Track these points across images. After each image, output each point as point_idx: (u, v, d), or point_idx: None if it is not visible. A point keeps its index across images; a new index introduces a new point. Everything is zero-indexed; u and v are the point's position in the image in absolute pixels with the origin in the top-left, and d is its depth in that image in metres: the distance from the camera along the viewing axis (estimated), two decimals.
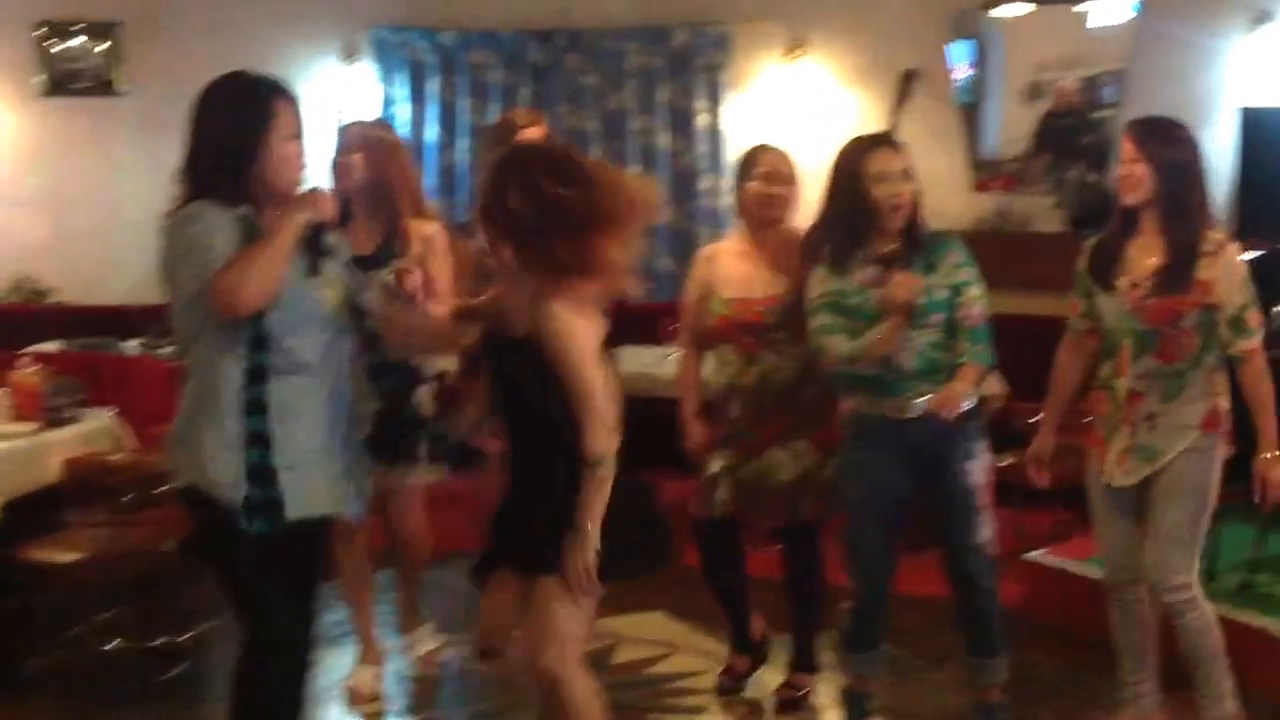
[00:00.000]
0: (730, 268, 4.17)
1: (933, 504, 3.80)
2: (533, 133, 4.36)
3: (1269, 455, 3.61)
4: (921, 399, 3.66)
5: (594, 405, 2.98)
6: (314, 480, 3.07)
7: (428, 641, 4.63)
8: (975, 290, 3.73)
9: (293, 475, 3.02)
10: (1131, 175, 3.65)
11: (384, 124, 4.53)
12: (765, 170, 4.12)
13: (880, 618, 3.88)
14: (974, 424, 3.75)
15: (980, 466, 3.74)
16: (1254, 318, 3.62)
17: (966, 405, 3.68)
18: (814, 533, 4.22)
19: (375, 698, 4.43)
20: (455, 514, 4.61)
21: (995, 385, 5.75)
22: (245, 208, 3.00)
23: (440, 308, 3.78)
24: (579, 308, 2.99)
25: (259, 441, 3.00)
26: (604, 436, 2.99)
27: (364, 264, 4.12)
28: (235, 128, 3.02)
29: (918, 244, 3.70)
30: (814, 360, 3.90)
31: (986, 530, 3.75)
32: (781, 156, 4.17)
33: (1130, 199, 3.68)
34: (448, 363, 6.26)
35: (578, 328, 2.97)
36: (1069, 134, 7.64)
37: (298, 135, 3.10)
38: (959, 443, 3.71)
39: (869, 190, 3.63)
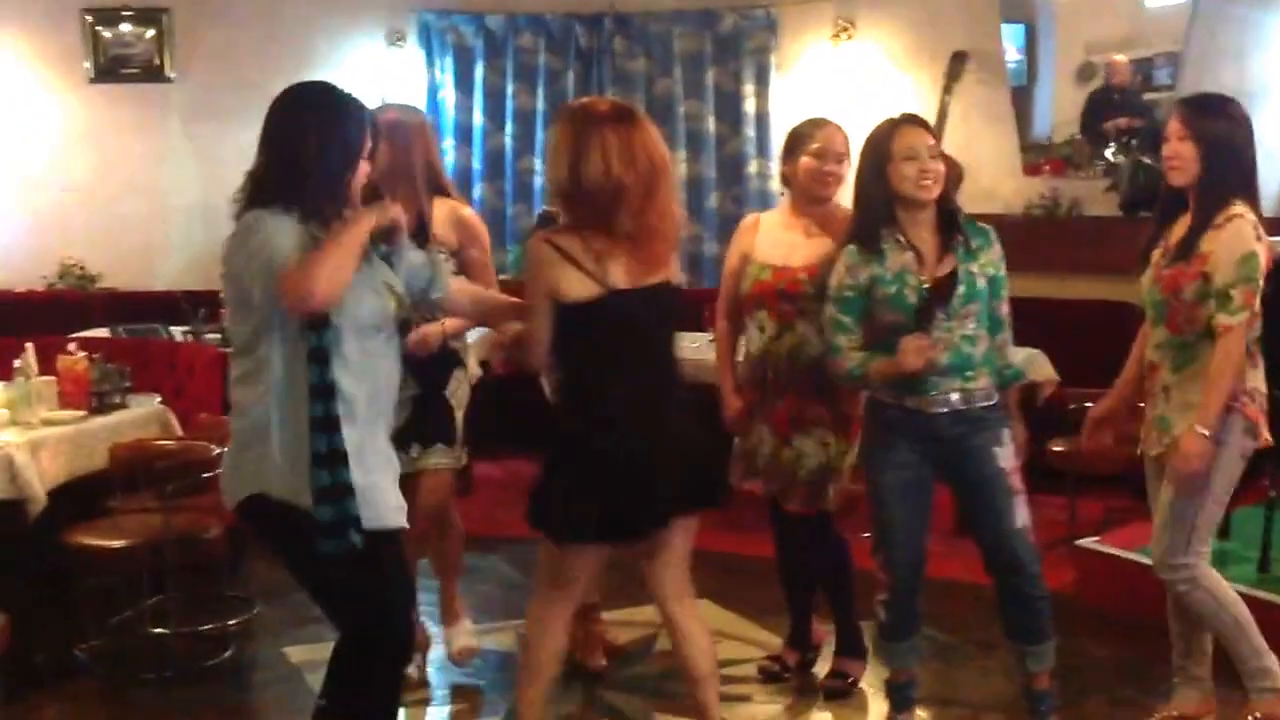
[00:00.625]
0: (773, 235, 4.18)
1: (964, 493, 3.78)
2: None
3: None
4: (954, 394, 3.63)
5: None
6: (385, 491, 3.04)
7: (464, 637, 4.58)
8: (1007, 288, 3.75)
9: (367, 489, 2.97)
10: (1177, 155, 3.61)
11: (412, 108, 4.46)
12: (819, 146, 4.10)
13: (915, 606, 3.83)
14: (1000, 411, 3.70)
15: (1009, 451, 3.69)
16: (1242, 296, 3.51)
17: (993, 401, 3.69)
18: (830, 519, 4.21)
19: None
20: (496, 500, 4.60)
21: (1046, 371, 5.70)
22: (313, 224, 2.94)
23: (483, 288, 3.93)
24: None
25: (335, 459, 2.92)
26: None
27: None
28: (341, 148, 2.98)
29: (952, 224, 3.67)
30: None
31: (1024, 514, 3.69)
32: (836, 132, 4.15)
33: (1176, 180, 3.64)
34: (486, 352, 6.29)
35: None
36: (1114, 112, 7.55)
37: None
38: (986, 429, 3.67)
39: (897, 169, 3.61)
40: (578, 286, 3.22)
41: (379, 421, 3.06)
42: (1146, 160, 7.18)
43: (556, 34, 8.63)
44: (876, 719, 4.14)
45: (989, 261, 3.68)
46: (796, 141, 4.17)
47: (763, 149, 8.31)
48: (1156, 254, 3.69)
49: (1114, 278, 7.17)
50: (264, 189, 2.94)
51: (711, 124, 8.41)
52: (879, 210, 3.66)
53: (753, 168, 8.35)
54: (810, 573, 4.40)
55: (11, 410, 4.77)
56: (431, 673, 4.53)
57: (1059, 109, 7.76)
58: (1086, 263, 7.19)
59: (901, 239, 3.64)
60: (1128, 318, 6.88)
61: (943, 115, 7.80)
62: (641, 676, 4.50)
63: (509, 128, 8.67)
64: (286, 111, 3.01)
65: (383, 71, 8.50)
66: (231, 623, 4.80)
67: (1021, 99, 7.80)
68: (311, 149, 2.93)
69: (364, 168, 3.04)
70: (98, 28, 8.63)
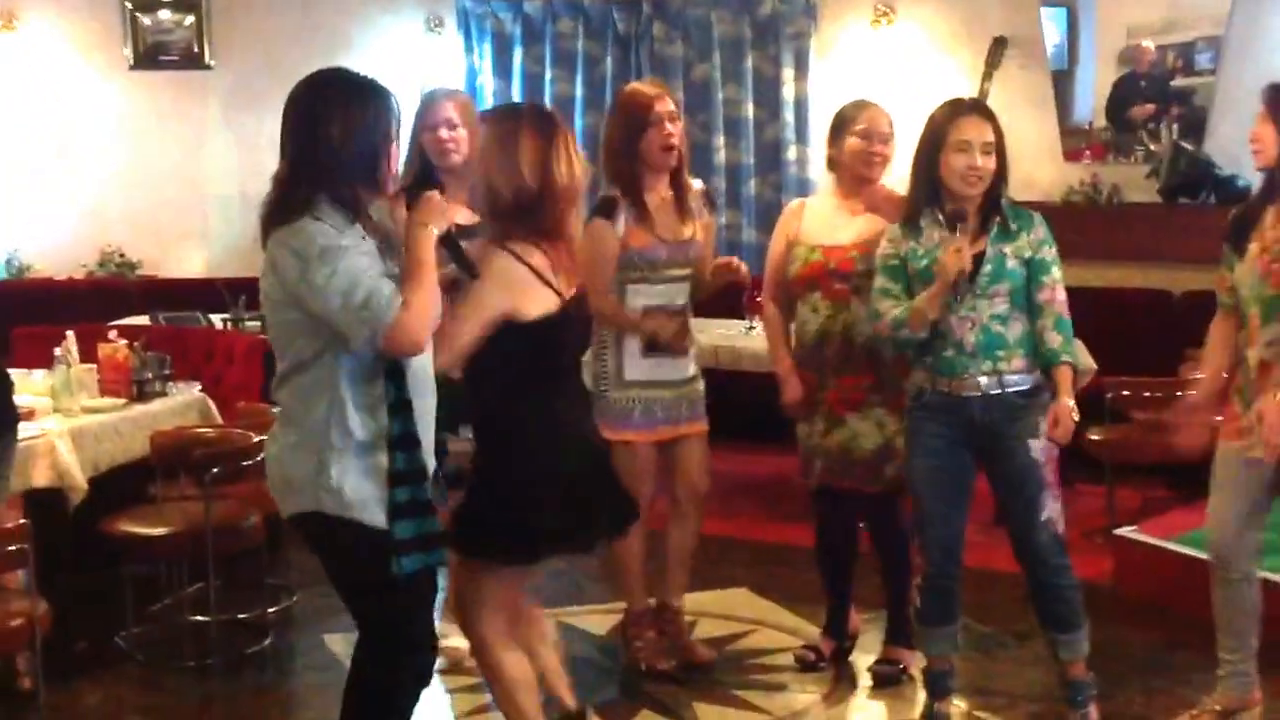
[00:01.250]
0: (820, 218, 4.19)
1: (996, 481, 3.77)
2: (665, 105, 4.22)
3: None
4: (985, 378, 3.62)
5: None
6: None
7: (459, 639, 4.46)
8: (1059, 273, 3.69)
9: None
10: (1256, 139, 3.61)
11: (469, 95, 4.45)
12: (864, 127, 4.10)
13: (952, 592, 3.82)
14: (1036, 400, 3.67)
15: (1043, 443, 3.66)
16: None
17: (1028, 386, 3.65)
18: (895, 500, 4.21)
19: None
20: None
21: (1084, 360, 5.66)
22: (356, 220, 2.90)
23: None
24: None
25: (415, 477, 2.91)
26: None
27: (473, 232, 4.16)
28: (367, 131, 2.89)
29: (994, 206, 3.65)
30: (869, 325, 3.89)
31: (1050, 507, 3.67)
32: (880, 113, 4.15)
33: (1256, 162, 3.65)
34: None
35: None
36: (1140, 99, 7.48)
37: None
38: (1020, 418, 3.65)
39: (947, 158, 3.61)
40: (541, 303, 3.15)
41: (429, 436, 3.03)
42: (1187, 145, 7.12)
43: (594, 20, 8.61)
44: (920, 708, 4.10)
45: (1026, 244, 3.66)
46: (842, 123, 4.17)
47: (802, 135, 8.26)
48: (1254, 247, 3.60)
49: (1154, 265, 7.17)
50: (295, 190, 2.86)
51: (750, 109, 8.35)
52: (925, 188, 3.68)
53: (791, 154, 8.30)
54: (850, 557, 4.38)
55: (53, 398, 4.81)
56: (470, 662, 4.52)
57: (1100, 94, 7.67)
58: (1127, 249, 7.14)
59: (940, 218, 3.65)
60: (1168, 305, 6.86)
61: (983, 100, 7.74)
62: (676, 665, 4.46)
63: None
64: (304, 103, 2.92)
65: (421, 58, 8.51)
66: (271, 610, 4.83)
67: (1062, 83, 7.73)
68: (337, 137, 2.85)
69: (395, 153, 2.99)
70: (137, 14, 8.69)
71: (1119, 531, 5.21)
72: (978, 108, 3.77)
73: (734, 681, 4.34)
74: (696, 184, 4.37)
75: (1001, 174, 3.67)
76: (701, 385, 4.33)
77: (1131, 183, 7.41)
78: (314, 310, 2.82)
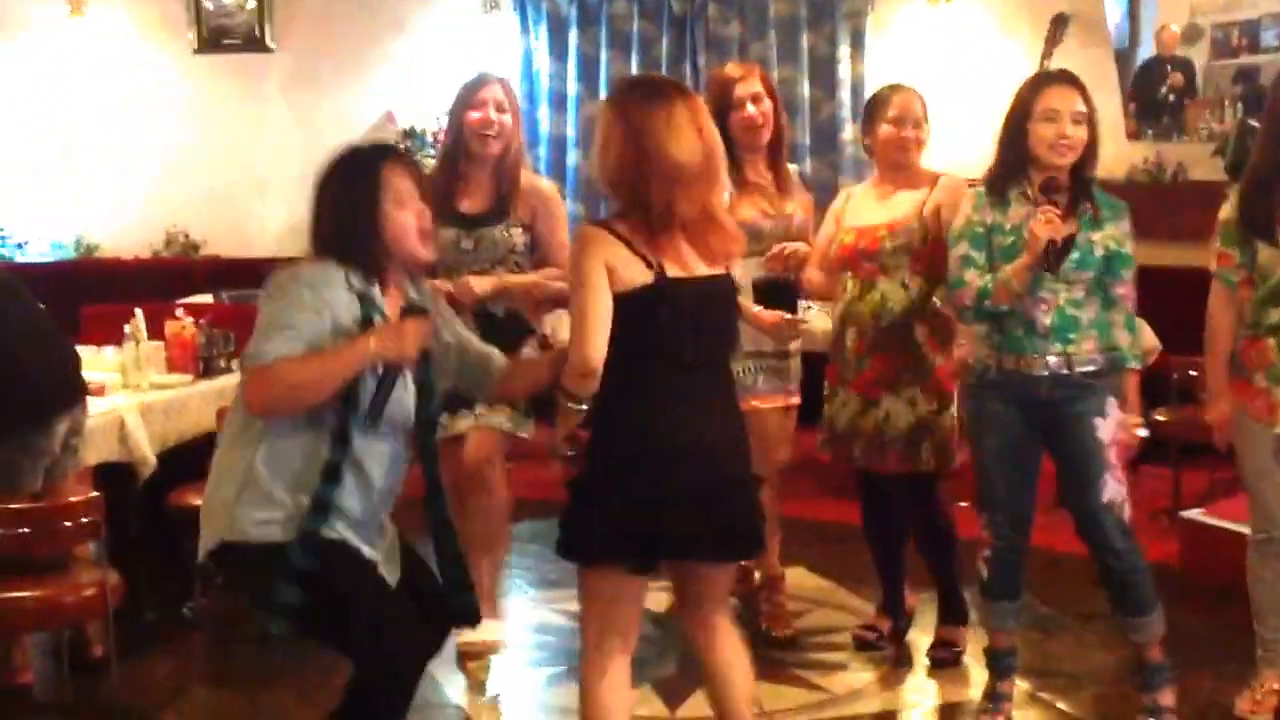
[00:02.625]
0: (860, 201, 4.22)
1: (1060, 459, 3.73)
2: (746, 86, 4.25)
3: None
4: (1054, 358, 3.58)
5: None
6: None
7: (492, 631, 4.35)
8: (1134, 271, 3.66)
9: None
10: None
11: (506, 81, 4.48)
12: (895, 113, 4.10)
13: (1020, 567, 3.79)
14: (1104, 380, 3.63)
15: (1110, 424, 3.61)
16: None
17: (1097, 367, 3.61)
18: (934, 481, 4.20)
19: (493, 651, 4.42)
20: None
21: (1150, 340, 5.62)
22: (365, 283, 2.93)
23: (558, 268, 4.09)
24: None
25: (321, 509, 2.89)
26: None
27: (477, 221, 4.24)
28: (348, 201, 2.96)
29: (1083, 193, 3.59)
30: (947, 294, 3.88)
31: (1113, 489, 3.61)
32: (912, 97, 4.13)
33: None
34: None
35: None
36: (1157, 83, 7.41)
37: (412, 199, 2.98)
38: (1088, 398, 3.60)
39: (1035, 128, 3.54)
40: (630, 275, 2.90)
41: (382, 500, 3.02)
42: (1253, 123, 7.03)
43: (649, 0, 8.61)
44: (978, 689, 4.12)
45: (1112, 235, 3.60)
46: (875, 108, 4.18)
47: (858, 115, 8.21)
48: None
49: None
50: (318, 248, 2.98)
51: (806, 89, 8.32)
52: (1012, 163, 3.62)
53: (848, 134, 8.26)
54: (898, 537, 4.37)
55: (122, 375, 4.90)
56: (523, 636, 4.60)
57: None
58: (1191, 229, 7.01)
59: (1029, 193, 3.58)
60: None
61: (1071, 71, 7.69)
62: None
63: (604, 95, 8.67)
64: (318, 175, 3.03)
65: (477, 39, 8.54)
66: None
67: (1124, 62, 7.65)
68: (332, 203, 2.97)
69: (405, 215, 2.96)
70: None
71: (1185, 514, 5.18)
72: (1066, 77, 3.69)
73: (793, 660, 4.37)
74: (791, 167, 4.45)
75: (1092, 149, 3.59)
76: (789, 360, 4.36)
77: (1196, 161, 7.35)
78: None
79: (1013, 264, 3.53)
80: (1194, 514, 5.14)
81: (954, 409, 4.09)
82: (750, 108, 4.20)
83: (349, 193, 2.96)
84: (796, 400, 4.43)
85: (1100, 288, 3.61)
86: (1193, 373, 5.48)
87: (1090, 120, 3.57)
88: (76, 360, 4.30)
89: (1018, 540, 3.76)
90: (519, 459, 4.78)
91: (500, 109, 4.24)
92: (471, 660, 4.34)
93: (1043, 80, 3.65)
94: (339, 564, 2.90)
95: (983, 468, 3.76)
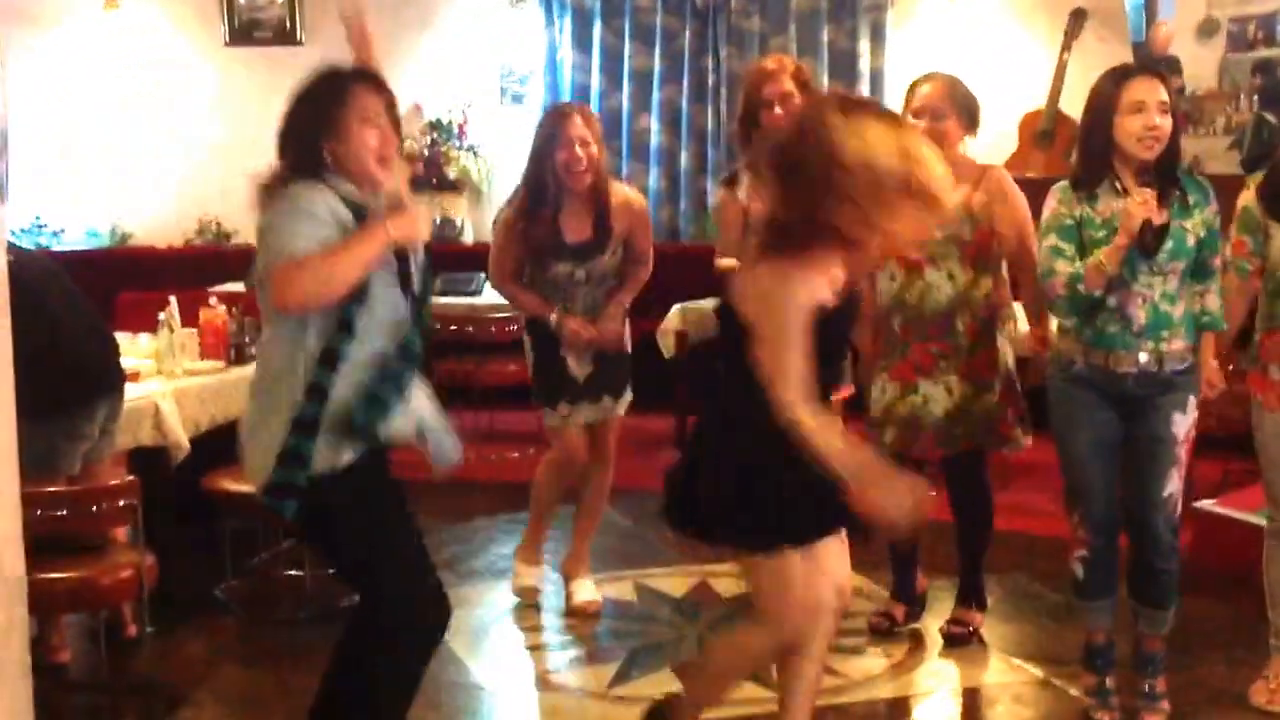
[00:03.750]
0: None
1: (1130, 445, 3.67)
2: (775, 85, 4.29)
3: None
4: (1145, 355, 3.56)
5: (783, 362, 2.74)
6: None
7: (590, 591, 4.73)
8: (1222, 240, 3.65)
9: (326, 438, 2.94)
10: None
11: (585, 105, 4.64)
12: (916, 105, 4.12)
13: (1114, 563, 3.76)
14: (1190, 377, 3.63)
15: (1188, 421, 3.62)
16: None
17: (1186, 365, 3.63)
18: (978, 462, 4.24)
19: (537, 593, 4.72)
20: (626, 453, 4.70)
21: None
22: (347, 187, 2.99)
23: (643, 271, 4.55)
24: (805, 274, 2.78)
25: (306, 427, 2.92)
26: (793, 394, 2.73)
27: (586, 253, 4.44)
28: (313, 112, 3.03)
29: (1171, 182, 3.55)
30: (991, 282, 3.96)
31: (1175, 485, 3.63)
32: (934, 90, 4.12)
33: None
34: None
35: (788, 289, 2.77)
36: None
37: (378, 119, 3.02)
38: (1173, 393, 3.59)
39: (1121, 121, 3.51)
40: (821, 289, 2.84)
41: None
42: (1269, 117, 7.07)
43: None
44: (993, 674, 4.19)
45: (1203, 220, 3.58)
46: (905, 100, 4.20)
47: None
48: None
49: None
50: (281, 157, 3.07)
51: (826, 82, 8.36)
52: (1098, 156, 3.58)
53: None
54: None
55: (157, 361, 4.98)
56: (547, 620, 4.68)
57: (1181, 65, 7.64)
58: None
59: (1118, 185, 3.55)
60: None
61: (1061, 72, 7.74)
62: None
63: (626, 88, 8.75)
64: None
65: (503, 32, 8.63)
66: None
67: (1141, 55, 7.68)
68: (298, 112, 3.06)
69: (362, 135, 2.99)
70: None
71: (1199, 504, 5.18)
72: (1149, 68, 3.66)
73: None
74: None
75: (1175, 138, 3.56)
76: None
77: (1213, 154, 7.38)
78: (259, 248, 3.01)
79: (1104, 248, 3.49)
80: (1207, 504, 5.16)
81: (993, 394, 4.12)
82: (778, 109, 4.23)
83: (316, 104, 3.02)
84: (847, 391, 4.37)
85: (1189, 276, 3.59)
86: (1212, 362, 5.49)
87: (1174, 110, 3.55)
88: (115, 346, 4.41)
89: (1115, 535, 3.72)
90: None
91: (584, 143, 4.35)
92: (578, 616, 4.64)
93: (1125, 73, 3.59)
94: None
95: (1074, 462, 3.70)
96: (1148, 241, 3.46)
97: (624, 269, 4.57)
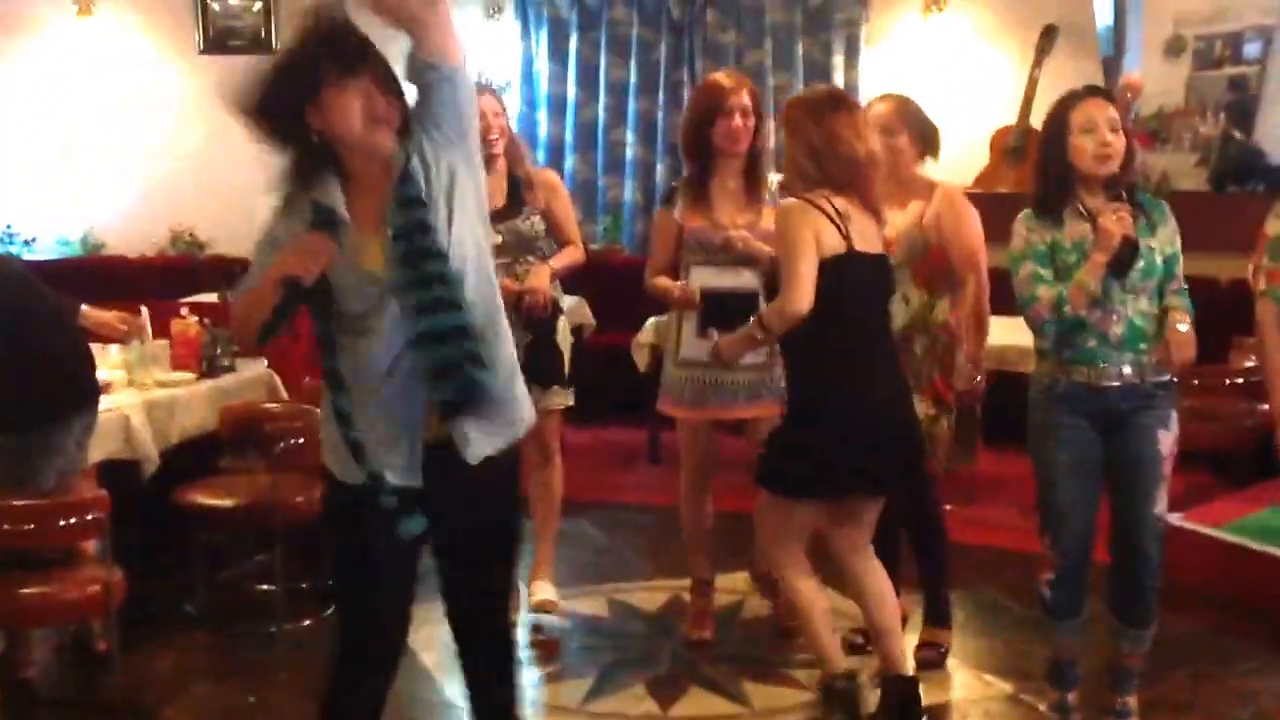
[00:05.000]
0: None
1: (1115, 465, 3.67)
2: (738, 98, 4.32)
3: None
4: (1128, 368, 3.57)
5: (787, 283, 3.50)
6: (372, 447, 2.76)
7: (548, 591, 4.69)
8: (1181, 266, 3.67)
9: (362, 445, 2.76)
10: None
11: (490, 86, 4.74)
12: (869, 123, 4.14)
13: (1084, 584, 3.75)
14: (1170, 392, 3.64)
15: (1172, 437, 3.63)
16: None
17: (1165, 378, 3.63)
18: (928, 483, 4.23)
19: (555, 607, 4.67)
20: (583, 466, 4.67)
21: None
22: (321, 188, 2.73)
23: (574, 246, 4.53)
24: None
25: (341, 419, 2.76)
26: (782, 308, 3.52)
27: (499, 216, 4.34)
28: (285, 76, 2.67)
29: (1132, 200, 3.57)
30: (942, 303, 3.99)
31: (1163, 503, 3.65)
32: (888, 107, 4.16)
33: None
34: (583, 315, 6.40)
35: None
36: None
37: (356, 81, 2.68)
38: (1155, 409, 3.61)
39: (1075, 142, 3.56)
40: (831, 242, 3.54)
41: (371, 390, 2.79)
42: (1237, 134, 7.14)
43: (649, 6, 8.71)
44: (961, 690, 4.21)
45: (1166, 239, 3.61)
46: None
47: None
48: None
49: (1202, 253, 7.14)
50: (260, 127, 2.73)
51: None
52: (1056, 181, 3.61)
53: None
54: (891, 544, 4.36)
55: (127, 372, 4.95)
56: (519, 636, 4.61)
57: (1148, 82, 7.67)
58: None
59: (1081, 209, 3.58)
60: (1215, 293, 6.86)
61: (1032, 88, 7.79)
62: (722, 643, 4.56)
63: (601, 99, 8.78)
64: None
65: (480, 43, 8.63)
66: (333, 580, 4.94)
67: (1110, 71, 7.75)
68: (273, 78, 2.67)
69: (343, 101, 2.66)
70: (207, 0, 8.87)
71: (1166, 521, 5.22)
72: (1097, 89, 3.70)
73: (781, 660, 4.41)
74: (776, 178, 4.42)
75: (1130, 157, 3.60)
76: (774, 372, 4.27)
77: (1180, 170, 7.44)
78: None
79: (1085, 266, 3.51)
80: (1173, 519, 5.18)
81: (951, 417, 4.15)
82: (739, 119, 4.27)
83: (288, 76, 2.67)
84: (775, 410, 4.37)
85: (1160, 296, 3.61)
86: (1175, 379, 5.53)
87: (1125, 128, 3.60)
88: (92, 358, 4.38)
89: (1085, 557, 3.73)
90: None
91: (495, 114, 4.43)
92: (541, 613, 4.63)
93: (1073, 96, 3.63)
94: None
95: (1049, 483, 3.70)
96: (1125, 258, 3.49)
97: (560, 244, 4.61)
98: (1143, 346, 3.58)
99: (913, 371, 4.08)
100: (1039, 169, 3.70)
